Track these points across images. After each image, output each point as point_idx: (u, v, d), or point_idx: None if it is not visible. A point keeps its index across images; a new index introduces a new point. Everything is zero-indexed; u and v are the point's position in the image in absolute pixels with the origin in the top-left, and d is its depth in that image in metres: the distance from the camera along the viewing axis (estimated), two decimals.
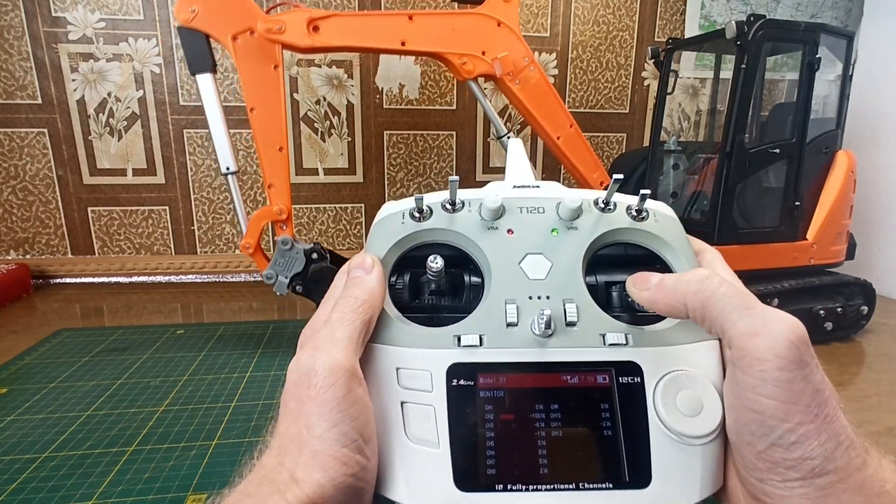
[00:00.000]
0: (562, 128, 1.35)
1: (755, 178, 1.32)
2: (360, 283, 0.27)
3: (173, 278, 1.87)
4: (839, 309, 1.35)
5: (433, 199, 0.30)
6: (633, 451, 0.25)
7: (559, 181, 2.11)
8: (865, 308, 1.40)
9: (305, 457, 0.22)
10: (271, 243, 1.82)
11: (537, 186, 0.32)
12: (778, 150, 1.30)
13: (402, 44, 1.16)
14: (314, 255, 1.16)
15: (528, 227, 0.30)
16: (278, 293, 1.16)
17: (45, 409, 0.95)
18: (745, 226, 1.33)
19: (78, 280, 1.82)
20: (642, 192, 0.30)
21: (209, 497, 0.23)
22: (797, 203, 1.33)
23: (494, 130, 1.43)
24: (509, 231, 0.29)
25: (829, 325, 1.34)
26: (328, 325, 0.25)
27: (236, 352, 1.22)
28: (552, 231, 0.29)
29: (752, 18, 1.22)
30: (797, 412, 0.21)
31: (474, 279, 0.30)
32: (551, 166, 2.07)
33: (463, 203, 0.30)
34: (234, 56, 1.10)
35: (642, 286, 0.27)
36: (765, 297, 1.28)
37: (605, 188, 1.27)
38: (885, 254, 1.82)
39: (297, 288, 1.16)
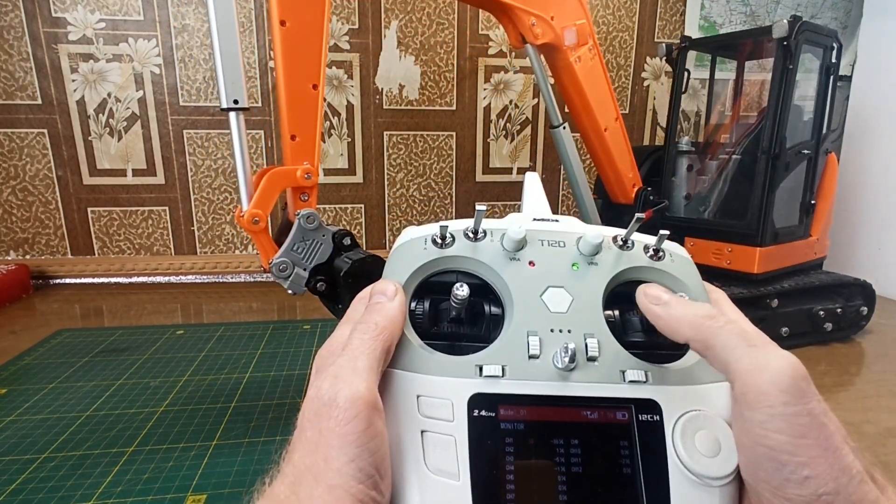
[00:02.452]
0: (610, 119, 1.27)
1: (788, 179, 1.33)
2: (382, 309, 0.27)
3: (173, 279, 1.87)
4: (839, 309, 1.35)
5: (455, 226, 0.31)
6: (653, 489, 0.25)
7: (560, 180, 2.11)
8: (865, 308, 1.40)
9: (321, 490, 0.22)
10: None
11: (556, 220, 0.32)
12: (808, 151, 1.30)
13: None
14: (346, 241, 0.84)
15: (550, 260, 0.30)
16: (291, 291, 0.83)
17: (44, 410, 0.95)
18: (780, 226, 1.34)
19: (78, 280, 1.82)
20: (661, 232, 0.30)
21: None
22: (812, 202, 1.35)
23: (550, 118, 1.26)
24: (531, 263, 0.30)
25: (828, 326, 1.34)
26: (348, 351, 0.25)
27: (236, 352, 1.22)
28: (573, 265, 0.30)
29: (794, 19, 1.20)
30: (806, 446, 0.21)
31: (494, 309, 0.30)
32: (551, 167, 2.07)
33: (485, 232, 0.30)
34: None
35: (654, 300, 0.27)
36: (765, 298, 1.28)
37: (637, 192, 1.21)
38: (885, 254, 1.82)
39: (320, 286, 0.84)
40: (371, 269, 0.83)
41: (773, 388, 0.22)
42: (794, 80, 1.24)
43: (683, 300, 0.27)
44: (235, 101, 0.82)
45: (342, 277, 0.80)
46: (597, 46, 1.21)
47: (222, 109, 0.83)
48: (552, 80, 1.29)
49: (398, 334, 0.27)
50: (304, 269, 0.83)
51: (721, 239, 1.35)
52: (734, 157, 1.43)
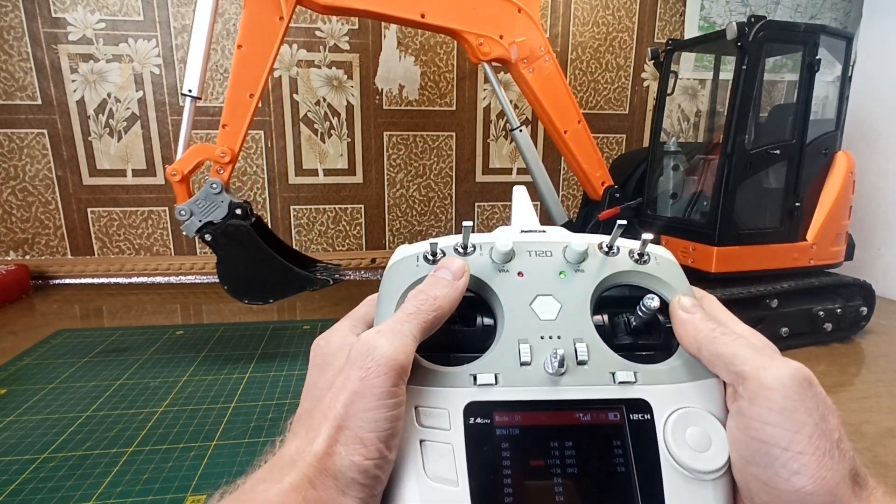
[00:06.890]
0: (570, 122, 1.35)
1: (755, 180, 1.32)
2: (446, 286, 0.28)
3: (173, 279, 1.87)
4: (839, 310, 1.35)
5: (446, 242, 0.32)
6: (647, 486, 0.25)
7: (559, 180, 2.12)
8: (865, 309, 1.40)
9: (333, 429, 0.23)
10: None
11: (543, 231, 0.33)
12: (779, 152, 1.30)
13: (422, 16, 1.16)
14: (238, 211, 1.11)
15: (538, 269, 0.31)
16: (184, 233, 1.12)
17: (44, 410, 0.95)
18: (746, 227, 1.33)
19: (77, 281, 1.82)
20: (644, 236, 0.31)
21: (222, 486, 0.24)
22: (797, 204, 1.33)
23: (507, 122, 1.40)
24: (520, 273, 0.31)
25: (828, 326, 1.34)
26: (399, 313, 0.26)
27: (236, 352, 1.22)
28: (560, 273, 0.31)
29: (752, 20, 1.21)
30: (799, 441, 0.22)
31: (486, 320, 0.31)
32: (551, 168, 2.07)
33: (474, 247, 0.32)
34: None
35: (685, 309, 0.28)
36: (765, 298, 1.28)
37: (606, 189, 1.26)
38: (885, 255, 1.83)
39: (206, 236, 1.11)
40: (244, 237, 1.12)
41: (776, 383, 0.23)
42: (753, 80, 1.24)
43: (706, 316, 0.28)
44: (189, 91, 1.08)
45: (217, 234, 1.11)
46: (554, 59, 1.29)
47: (181, 94, 1.07)
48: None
49: (449, 314, 0.28)
50: (200, 220, 1.10)
51: (688, 237, 1.37)
52: (709, 157, 1.44)
